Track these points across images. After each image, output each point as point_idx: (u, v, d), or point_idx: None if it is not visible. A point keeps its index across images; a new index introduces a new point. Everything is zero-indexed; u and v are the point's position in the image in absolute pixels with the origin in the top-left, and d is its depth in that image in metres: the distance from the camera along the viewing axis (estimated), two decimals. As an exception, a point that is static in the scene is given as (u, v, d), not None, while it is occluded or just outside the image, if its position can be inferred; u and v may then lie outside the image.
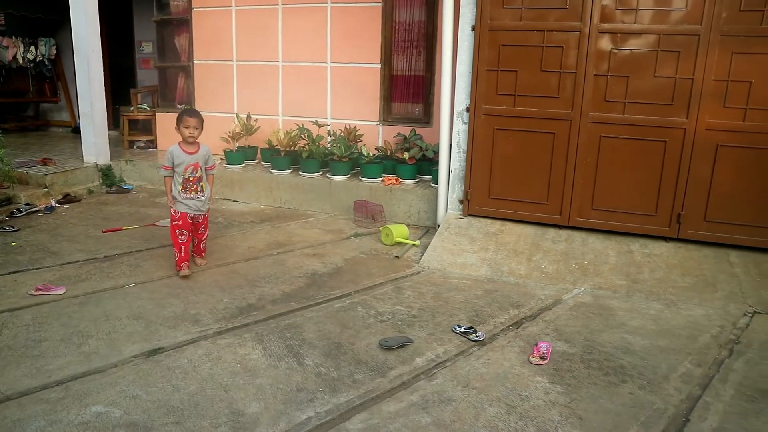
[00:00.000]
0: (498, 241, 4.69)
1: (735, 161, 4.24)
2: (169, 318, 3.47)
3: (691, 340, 3.38)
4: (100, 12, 6.67)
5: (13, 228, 5.09)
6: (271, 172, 6.30)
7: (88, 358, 2.98)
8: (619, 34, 4.35)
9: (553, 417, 2.59)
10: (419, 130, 6.22)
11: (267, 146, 6.54)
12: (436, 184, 5.35)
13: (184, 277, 4.08)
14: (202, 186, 4.14)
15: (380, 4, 6.26)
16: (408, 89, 6.49)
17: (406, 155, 5.89)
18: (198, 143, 4.13)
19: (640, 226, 4.53)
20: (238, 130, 6.65)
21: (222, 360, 3.00)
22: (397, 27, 6.36)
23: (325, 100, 6.73)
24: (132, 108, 8.02)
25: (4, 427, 2.41)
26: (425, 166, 5.97)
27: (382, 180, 5.89)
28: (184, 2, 7.29)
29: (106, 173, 6.85)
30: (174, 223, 4.10)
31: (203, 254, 4.39)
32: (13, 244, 4.73)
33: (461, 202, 5.04)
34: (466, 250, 4.62)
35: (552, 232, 4.74)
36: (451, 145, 5.03)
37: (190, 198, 4.09)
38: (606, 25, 4.36)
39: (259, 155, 6.89)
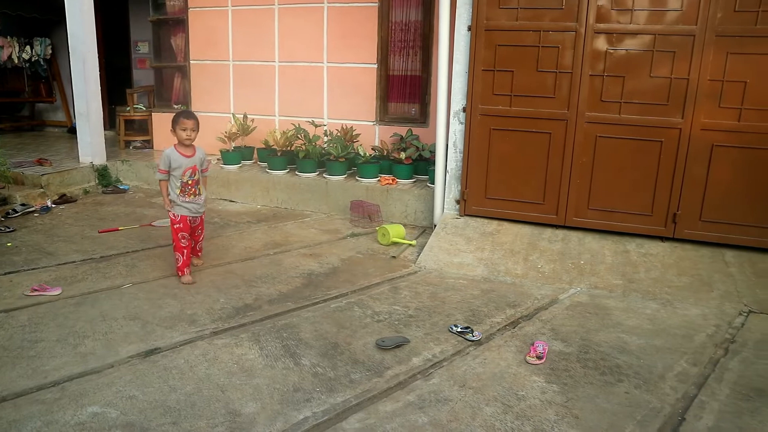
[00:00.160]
0: (494, 240, 4.70)
1: (730, 161, 4.26)
2: (166, 318, 3.46)
3: (687, 340, 3.39)
4: (95, 12, 6.66)
5: (9, 228, 5.07)
6: (268, 172, 6.29)
7: (85, 359, 2.98)
8: (614, 35, 4.36)
9: (549, 416, 2.60)
10: (416, 130, 6.22)
11: (263, 146, 6.54)
12: (433, 184, 5.35)
13: (187, 283, 3.99)
14: (199, 189, 4.13)
15: (377, 4, 6.26)
16: (404, 89, 6.50)
17: (403, 155, 5.89)
18: (194, 146, 4.08)
19: (637, 226, 4.54)
20: (234, 130, 6.64)
21: (219, 360, 3.00)
22: (393, 27, 6.36)
23: (322, 100, 6.73)
24: (128, 108, 8.00)
25: (0, 428, 2.40)
26: (422, 166, 5.98)
27: (378, 180, 5.89)
28: (180, 2, 7.27)
29: (102, 173, 6.84)
30: (176, 226, 4.02)
31: (200, 254, 4.38)
32: (8, 244, 4.71)
33: (458, 202, 5.05)
34: (463, 250, 4.62)
35: (548, 232, 4.75)
36: (447, 145, 5.04)
37: (189, 201, 4.05)
38: (602, 26, 4.38)
39: (255, 155, 6.89)
